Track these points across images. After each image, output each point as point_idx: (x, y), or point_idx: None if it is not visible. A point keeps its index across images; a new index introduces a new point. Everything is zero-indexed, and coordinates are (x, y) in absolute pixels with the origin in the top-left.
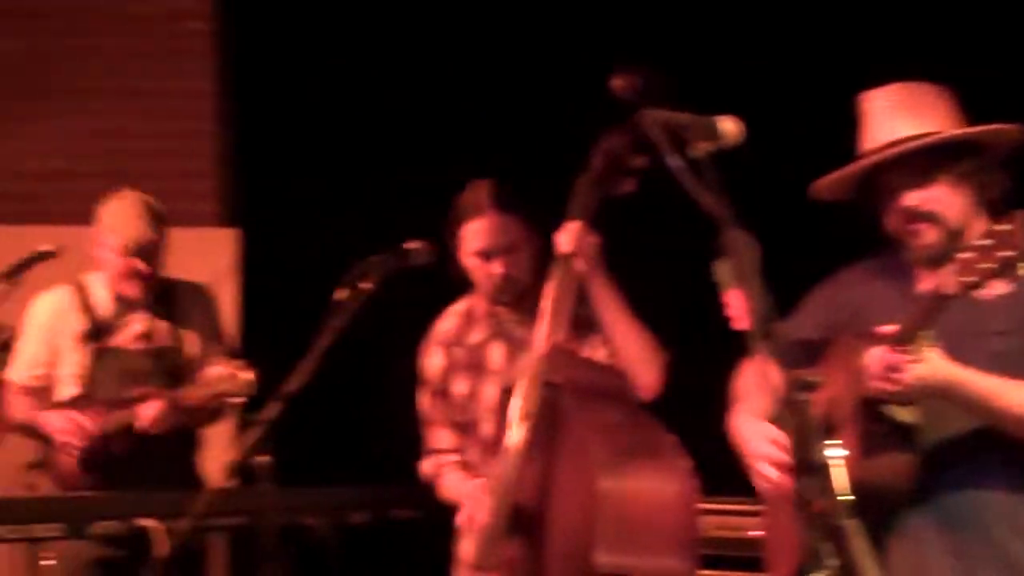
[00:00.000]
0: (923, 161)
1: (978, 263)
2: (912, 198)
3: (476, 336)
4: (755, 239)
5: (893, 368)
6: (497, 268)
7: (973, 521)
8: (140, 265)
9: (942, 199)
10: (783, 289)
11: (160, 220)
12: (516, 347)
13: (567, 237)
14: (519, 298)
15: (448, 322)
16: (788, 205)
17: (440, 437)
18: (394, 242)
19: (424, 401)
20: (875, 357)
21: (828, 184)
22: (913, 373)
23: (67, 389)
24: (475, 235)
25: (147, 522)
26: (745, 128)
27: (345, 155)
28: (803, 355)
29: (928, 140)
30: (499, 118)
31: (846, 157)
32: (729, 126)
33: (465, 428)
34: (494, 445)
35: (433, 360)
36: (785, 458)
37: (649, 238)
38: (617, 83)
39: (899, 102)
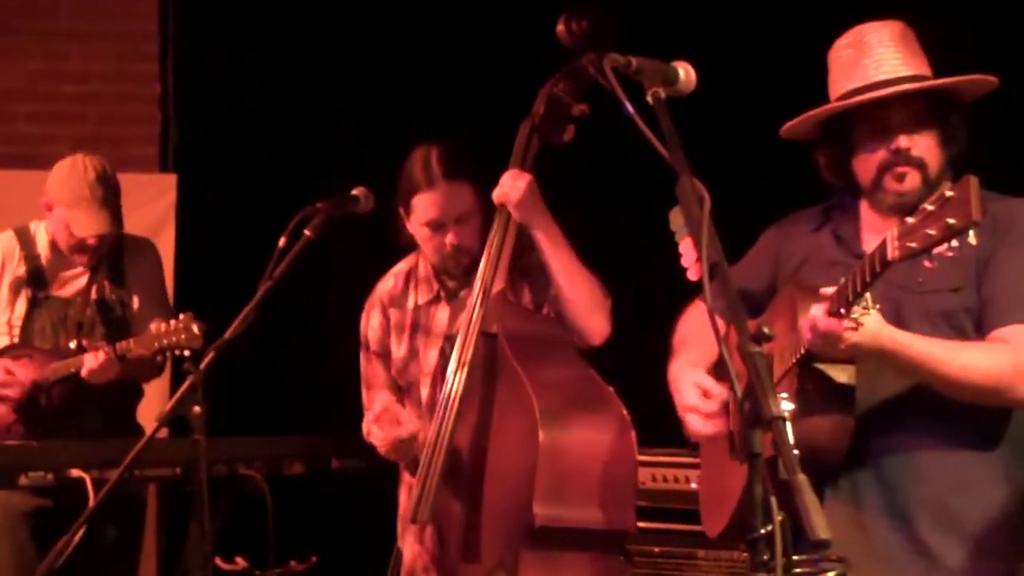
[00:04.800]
0: (924, 105)
1: (923, 229)
2: (907, 140)
3: (419, 297)
4: (707, 187)
5: (828, 333)
6: (449, 239)
7: (912, 481)
8: (93, 241)
9: (931, 148)
10: (736, 237)
11: (115, 196)
12: (460, 309)
13: (506, 185)
14: (469, 267)
15: (388, 282)
16: (737, 151)
17: (378, 399)
18: (336, 189)
19: (363, 363)
20: (812, 320)
21: (807, 120)
22: (848, 340)
23: (5, 338)
24: (425, 206)
25: (77, 472)
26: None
27: (286, 101)
28: (747, 304)
29: (946, 81)
30: (445, 63)
31: (797, 102)
32: (685, 72)
33: (404, 390)
34: (431, 408)
35: (372, 322)
36: (714, 408)
37: (602, 185)
38: (564, 28)
39: (897, 40)
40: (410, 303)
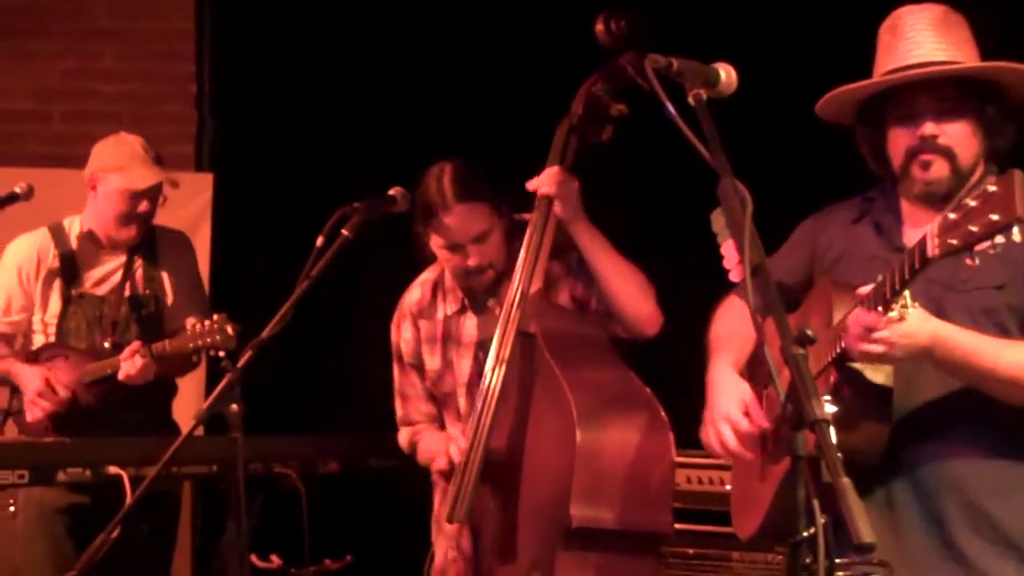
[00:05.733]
0: (955, 92)
1: (965, 225)
2: (934, 127)
3: (448, 308)
4: (749, 189)
5: (872, 328)
6: (470, 260)
7: (947, 486)
8: (144, 207)
9: (962, 137)
10: (778, 236)
11: (161, 163)
12: (489, 318)
13: (546, 182)
14: (496, 281)
15: (415, 294)
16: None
17: (416, 409)
18: (372, 188)
19: (397, 374)
20: (855, 316)
21: (839, 97)
22: (895, 332)
23: (40, 336)
24: (442, 230)
25: (114, 469)
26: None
27: (322, 100)
28: (782, 297)
29: (978, 67)
30: (480, 62)
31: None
32: (727, 73)
33: (440, 401)
34: (469, 418)
35: (405, 334)
36: (749, 429)
37: (641, 185)
38: (603, 28)
39: (936, 24)
40: (439, 314)
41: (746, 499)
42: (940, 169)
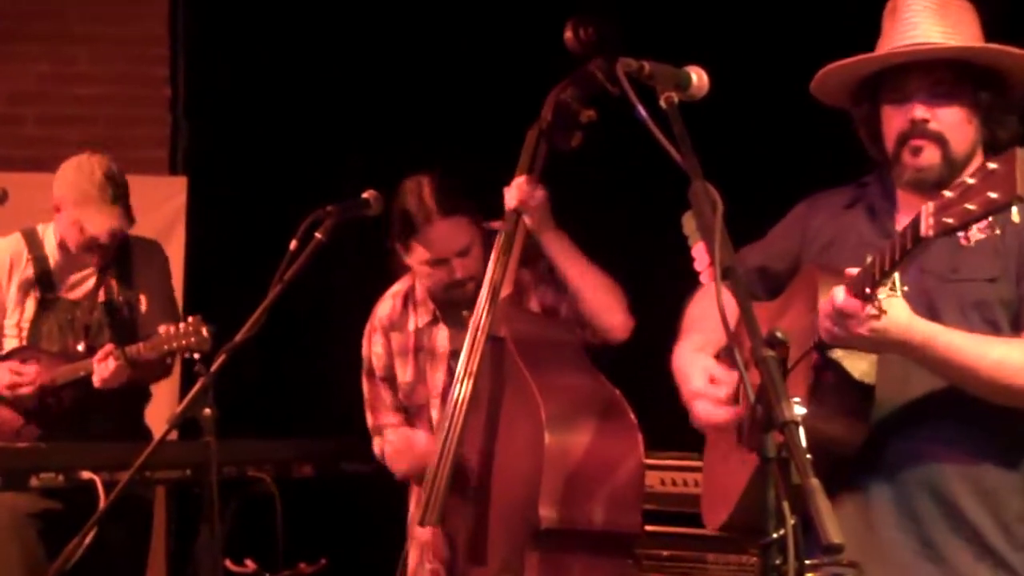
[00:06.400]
0: (949, 75)
1: (962, 203)
2: (925, 111)
3: (419, 320)
4: (720, 192)
5: (849, 315)
6: (457, 273)
7: (929, 488)
8: (105, 240)
9: (955, 123)
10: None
11: (124, 193)
12: (462, 329)
13: (515, 191)
14: (475, 293)
15: (386, 306)
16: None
17: (385, 420)
18: (346, 192)
19: (366, 386)
20: (833, 299)
21: (837, 73)
22: (869, 324)
23: (13, 340)
24: (426, 246)
25: (88, 474)
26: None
27: (296, 104)
28: (769, 284)
29: (970, 49)
30: (452, 67)
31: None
32: (698, 76)
33: (413, 413)
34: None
35: (376, 348)
36: (722, 395)
37: (611, 190)
38: (571, 34)
39: (937, 7)
40: (411, 326)
41: (717, 489)
42: (931, 156)
